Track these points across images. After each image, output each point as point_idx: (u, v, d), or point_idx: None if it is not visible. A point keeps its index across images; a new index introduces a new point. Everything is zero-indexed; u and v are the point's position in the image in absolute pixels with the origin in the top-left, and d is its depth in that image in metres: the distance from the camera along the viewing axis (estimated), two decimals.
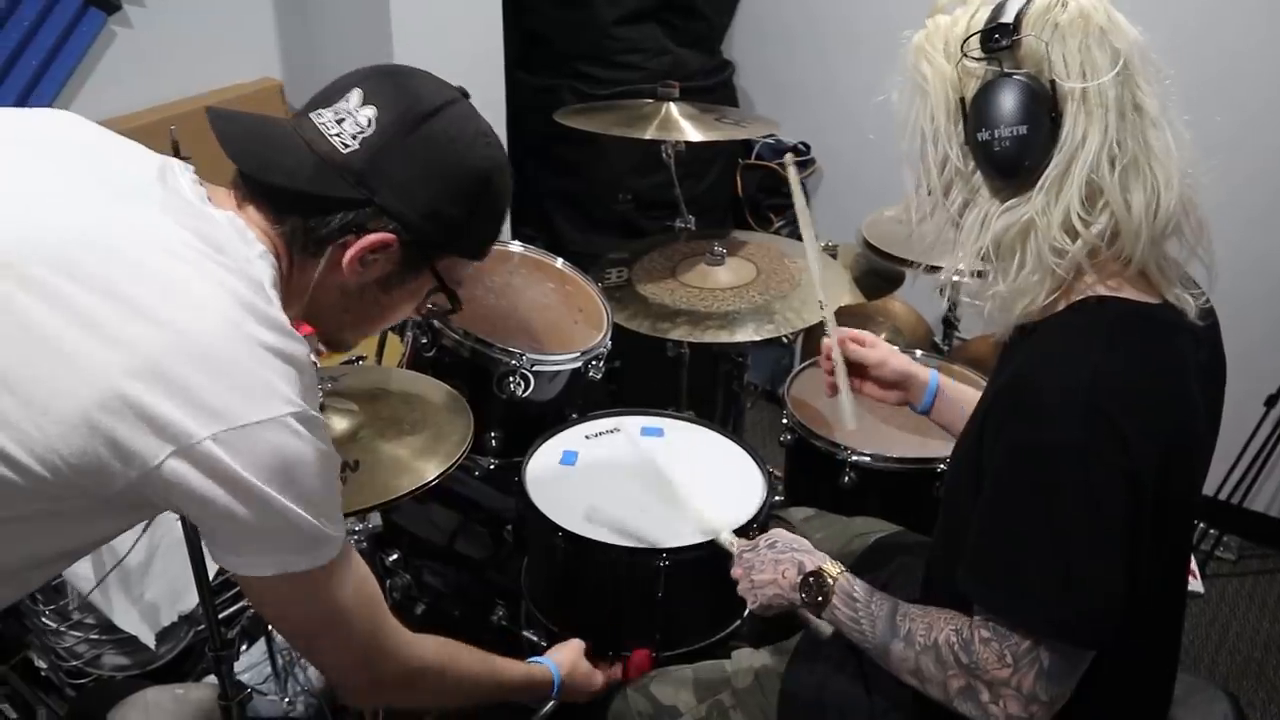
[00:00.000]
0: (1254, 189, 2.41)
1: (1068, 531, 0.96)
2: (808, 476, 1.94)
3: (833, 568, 1.22)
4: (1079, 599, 0.97)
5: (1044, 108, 0.97)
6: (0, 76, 2.06)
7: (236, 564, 0.92)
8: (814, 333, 2.54)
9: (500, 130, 2.75)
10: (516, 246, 2.05)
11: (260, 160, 0.98)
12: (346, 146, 0.96)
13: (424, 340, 1.72)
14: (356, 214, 0.97)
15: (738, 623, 1.57)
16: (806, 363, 2.16)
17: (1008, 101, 0.97)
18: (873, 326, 2.58)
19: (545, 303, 1.91)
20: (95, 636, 2.04)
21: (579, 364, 1.77)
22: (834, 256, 2.31)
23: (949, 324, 2.55)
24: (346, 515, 1.38)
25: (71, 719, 1.94)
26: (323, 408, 1.21)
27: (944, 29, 1.04)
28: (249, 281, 0.90)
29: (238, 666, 2.19)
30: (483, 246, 1.10)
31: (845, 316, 2.48)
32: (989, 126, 0.98)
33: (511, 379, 1.66)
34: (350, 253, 0.98)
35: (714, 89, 3.04)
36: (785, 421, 1.96)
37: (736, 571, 1.32)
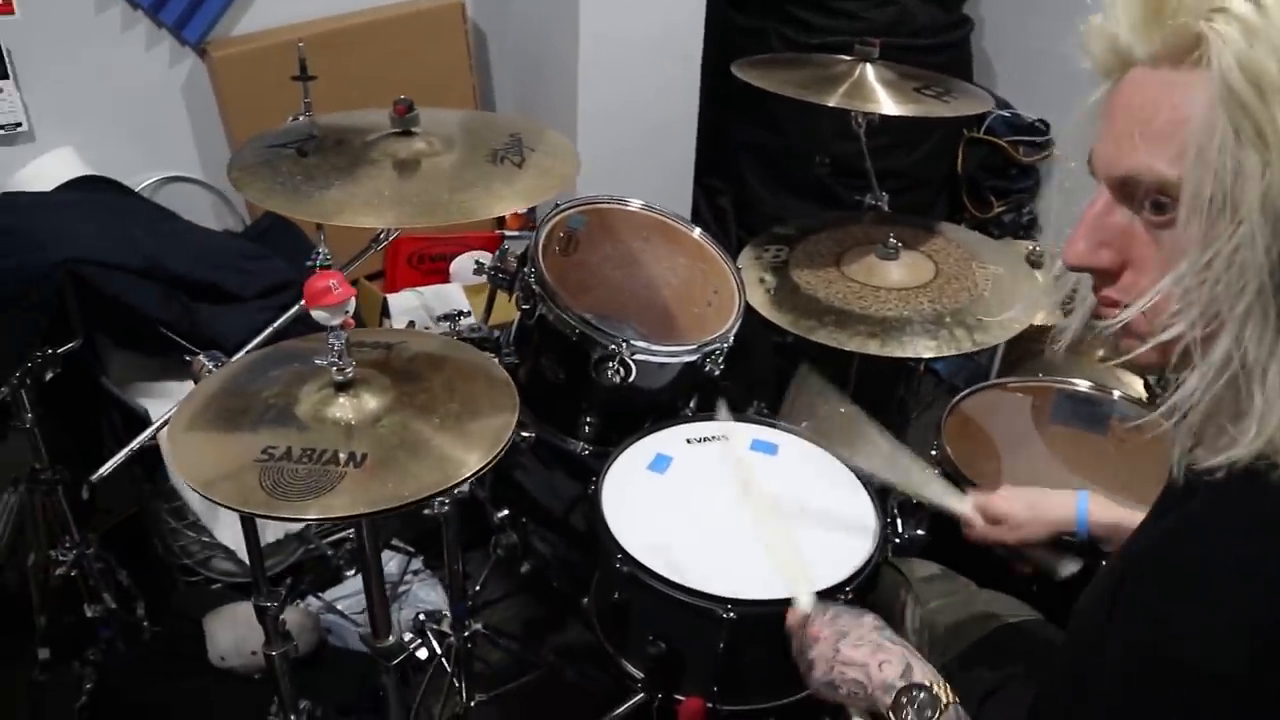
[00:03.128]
0: None
1: None
2: (951, 523, 1.65)
3: (946, 692, 0.96)
4: None
5: None
6: None
7: None
8: (1016, 345, 2.19)
9: (694, 70, 2.52)
10: (648, 210, 1.75)
11: None
12: None
13: (524, 307, 1.55)
14: None
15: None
16: (984, 383, 1.86)
17: None
18: (1083, 351, 2.20)
19: (672, 280, 1.70)
20: (207, 539, 2.07)
21: (694, 357, 1.56)
22: (1038, 266, 1.96)
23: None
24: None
25: (170, 616, 1.99)
26: (347, 385, 1.07)
27: None
28: None
29: (342, 591, 2.19)
30: None
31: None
32: None
33: (610, 365, 1.47)
34: None
35: (941, 49, 2.66)
36: (934, 453, 1.68)
37: (820, 630, 1.09)
